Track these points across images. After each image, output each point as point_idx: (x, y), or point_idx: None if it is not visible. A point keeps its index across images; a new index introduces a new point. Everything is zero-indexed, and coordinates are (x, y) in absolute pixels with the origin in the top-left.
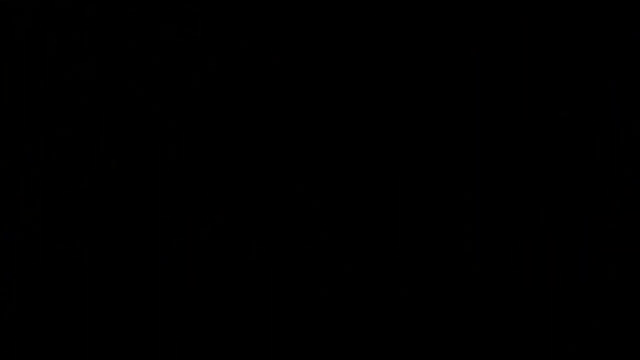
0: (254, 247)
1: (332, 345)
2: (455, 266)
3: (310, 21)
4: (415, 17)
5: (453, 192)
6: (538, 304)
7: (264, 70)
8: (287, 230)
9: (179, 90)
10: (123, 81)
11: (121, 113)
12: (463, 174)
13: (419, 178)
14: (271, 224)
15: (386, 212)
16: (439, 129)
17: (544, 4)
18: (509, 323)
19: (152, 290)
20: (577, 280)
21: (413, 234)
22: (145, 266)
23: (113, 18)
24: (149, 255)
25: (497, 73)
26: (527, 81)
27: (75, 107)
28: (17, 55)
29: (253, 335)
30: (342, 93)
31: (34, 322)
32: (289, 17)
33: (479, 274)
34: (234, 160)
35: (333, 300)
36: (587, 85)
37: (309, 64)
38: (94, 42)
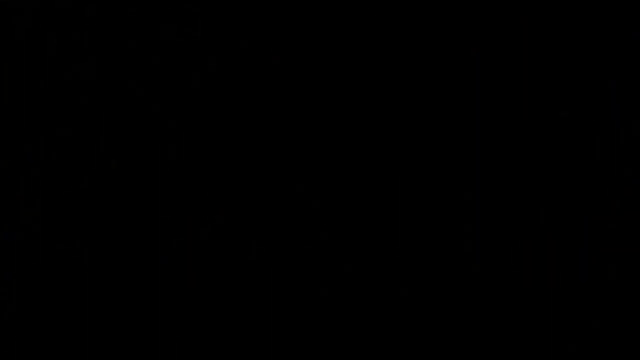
0: (254, 247)
1: (332, 345)
2: (455, 266)
3: (310, 21)
4: (415, 17)
5: (453, 192)
6: (538, 304)
7: (264, 70)
8: (287, 230)
9: (179, 90)
10: (123, 81)
11: (121, 113)
12: (463, 174)
13: (419, 178)
14: (271, 224)
15: (386, 212)
16: (439, 129)
17: (544, 4)
18: (509, 323)
19: (152, 290)
20: (577, 280)
21: (413, 234)
22: (145, 266)
23: (113, 18)
24: (149, 255)
25: (497, 73)
26: (527, 81)
27: (75, 107)
28: (17, 55)
29: (253, 335)
30: (342, 93)
31: (34, 322)
32: (289, 17)
33: (479, 274)
34: (234, 160)
35: (333, 300)
36: (587, 85)
37: (309, 64)
38: (94, 42)
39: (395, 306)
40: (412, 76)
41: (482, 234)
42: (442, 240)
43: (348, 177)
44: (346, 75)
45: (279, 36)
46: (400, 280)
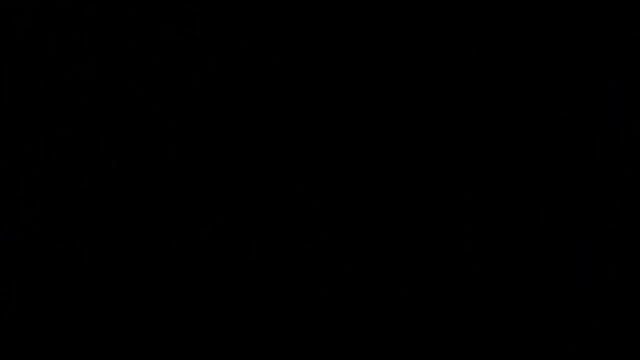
0: (254, 247)
1: (332, 345)
2: (455, 266)
3: (310, 21)
4: (416, 17)
5: (453, 192)
6: (538, 304)
7: (264, 70)
8: (287, 230)
9: (179, 90)
10: (123, 81)
11: (121, 113)
12: (463, 174)
13: (419, 178)
14: (271, 224)
15: (386, 212)
16: (439, 129)
17: (544, 4)
18: (509, 323)
19: (152, 290)
20: (577, 280)
21: (413, 234)
22: (145, 266)
23: (113, 18)
24: (149, 255)
25: (497, 73)
26: (527, 81)
27: (75, 107)
28: (17, 55)
29: (253, 335)
30: (342, 93)
31: (34, 322)
32: (289, 17)
33: (479, 274)
34: (233, 160)
35: (333, 300)
36: (587, 85)
37: (309, 64)
38: (94, 42)
39: (395, 306)
40: (412, 76)
41: (482, 234)
42: (442, 240)
43: (348, 177)
44: (346, 75)
45: (279, 36)
46: (400, 280)
